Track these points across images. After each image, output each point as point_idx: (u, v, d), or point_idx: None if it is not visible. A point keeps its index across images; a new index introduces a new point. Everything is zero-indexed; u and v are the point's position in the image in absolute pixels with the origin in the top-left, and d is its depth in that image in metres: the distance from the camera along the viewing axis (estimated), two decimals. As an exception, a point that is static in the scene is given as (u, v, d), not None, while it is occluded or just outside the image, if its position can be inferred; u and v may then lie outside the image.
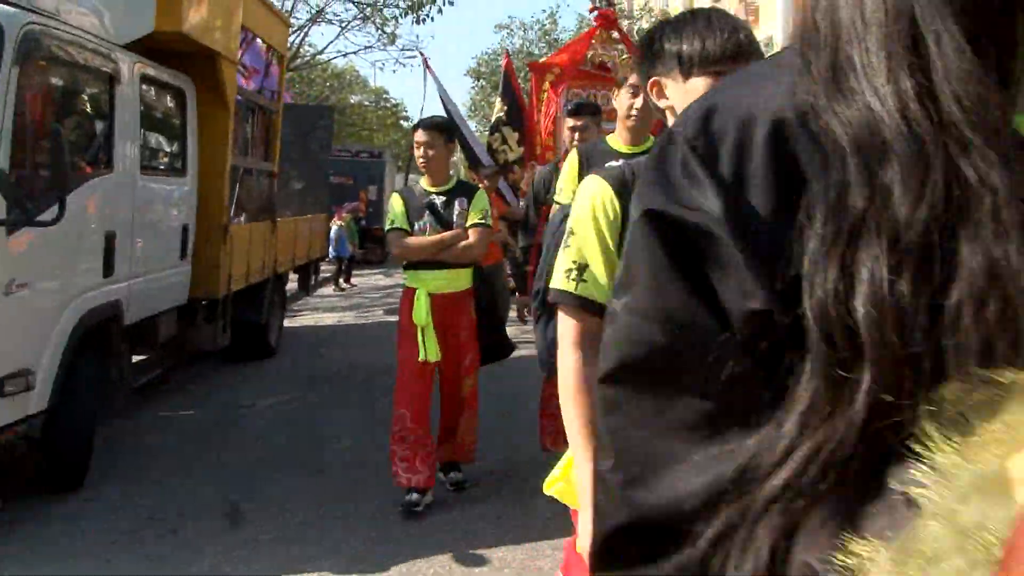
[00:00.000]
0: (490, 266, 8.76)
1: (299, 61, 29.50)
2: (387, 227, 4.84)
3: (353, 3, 21.34)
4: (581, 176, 3.20)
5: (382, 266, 24.23)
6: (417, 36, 73.02)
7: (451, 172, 5.02)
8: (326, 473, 5.23)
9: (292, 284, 12.05)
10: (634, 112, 3.27)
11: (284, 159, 10.97)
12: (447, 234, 4.58)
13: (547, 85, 10.00)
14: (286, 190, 11.17)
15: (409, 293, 4.65)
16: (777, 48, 6.02)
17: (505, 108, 10.34)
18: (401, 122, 39.52)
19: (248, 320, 8.00)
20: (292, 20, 24.11)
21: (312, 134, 11.79)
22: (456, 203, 4.67)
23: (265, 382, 7.64)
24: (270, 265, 8.37)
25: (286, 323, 11.38)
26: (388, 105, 39.58)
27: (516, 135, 10.08)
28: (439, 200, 4.67)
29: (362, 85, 36.63)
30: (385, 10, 20.44)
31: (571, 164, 3.96)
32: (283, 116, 10.87)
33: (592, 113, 4.94)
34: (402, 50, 24.81)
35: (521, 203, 9.46)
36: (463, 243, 4.60)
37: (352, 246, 17.78)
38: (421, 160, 4.68)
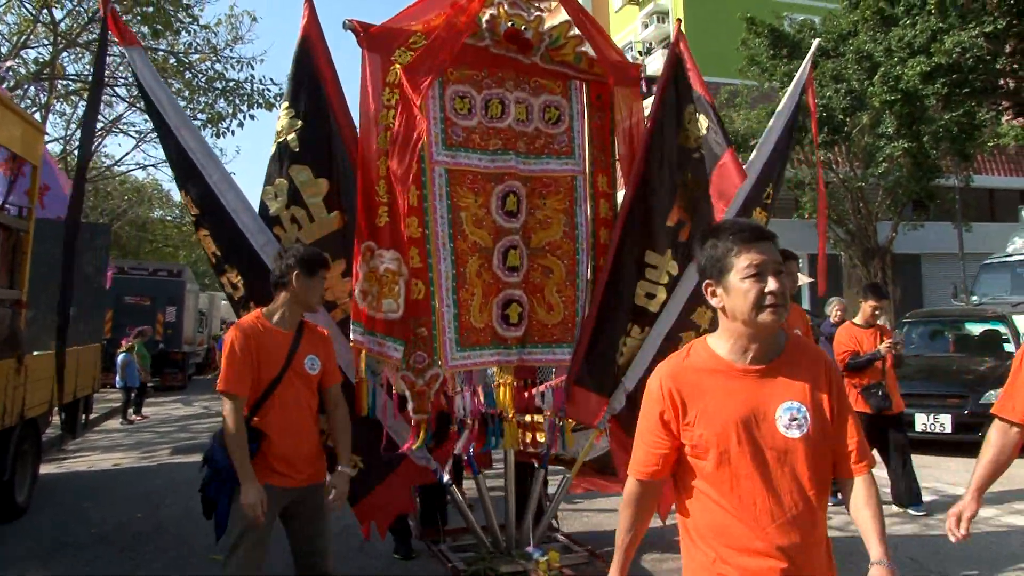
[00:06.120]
0: None
1: (93, 173, 27.69)
2: None
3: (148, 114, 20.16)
4: None
5: (183, 392, 22.40)
6: (221, 150, 71.66)
7: None
8: None
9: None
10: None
11: (50, 283, 9.69)
12: None
13: (396, 74, 4.49)
14: (50, 320, 9.82)
15: None
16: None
17: (299, 124, 4.55)
18: (208, 238, 37.78)
19: (-17, 477, 6.71)
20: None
21: (85, 255, 10.54)
22: None
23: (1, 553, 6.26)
24: (15, 410, 7.04)
25: (51, 470, 9.91)
26: (193, 220, 37.80)
27: (324, 183, 4.57)
28: None
29: (165, 199, 34.85)
30: (183, 122, 19.35)
31: None
32: (48, 235, 9.66)
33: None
34: (204, 164, 23.68)
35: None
36: None
37: (144, 374, 16.15)
38: None
